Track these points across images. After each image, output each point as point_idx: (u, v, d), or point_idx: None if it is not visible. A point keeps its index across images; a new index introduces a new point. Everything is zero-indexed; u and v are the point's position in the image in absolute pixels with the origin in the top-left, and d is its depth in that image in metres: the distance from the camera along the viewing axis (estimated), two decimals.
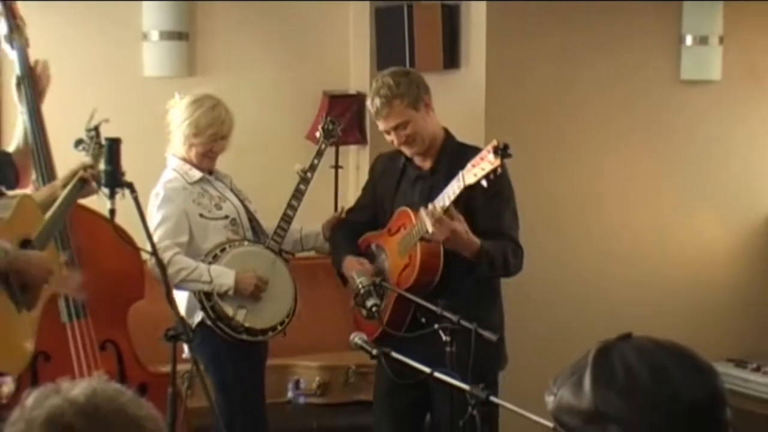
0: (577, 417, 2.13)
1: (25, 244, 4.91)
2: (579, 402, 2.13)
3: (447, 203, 5.30)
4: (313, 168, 6.10)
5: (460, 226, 5.31)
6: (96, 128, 5.10)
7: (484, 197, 5.35)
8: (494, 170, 5.12)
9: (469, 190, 5.22)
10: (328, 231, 6.12)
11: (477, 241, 5.37)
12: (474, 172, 5.16)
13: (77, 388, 2.07)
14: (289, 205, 6.02)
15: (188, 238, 5.85)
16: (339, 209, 6.33)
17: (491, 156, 5.09)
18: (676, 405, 2.08)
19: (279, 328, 5.95)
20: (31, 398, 2.06)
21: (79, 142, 5.15)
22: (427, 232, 5.32)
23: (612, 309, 6.80)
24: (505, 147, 5.07)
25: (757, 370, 6.84)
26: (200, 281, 5.77)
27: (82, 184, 5.11)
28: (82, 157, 5.14)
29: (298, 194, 6.04)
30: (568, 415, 2.15)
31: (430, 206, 5.33)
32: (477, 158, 5.18)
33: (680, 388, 2.10)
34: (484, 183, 5.15)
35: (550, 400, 2.21)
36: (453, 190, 5.26)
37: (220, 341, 5.81)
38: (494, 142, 5.11)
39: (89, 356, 5.54)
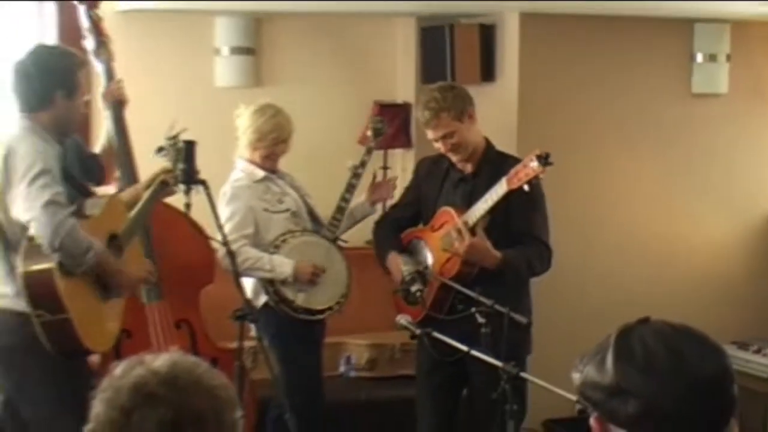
0: (601, 391, 2.13)
1: (113, 238, 4.95)
2: (602, 378, 2.12)
3: (482, 212, 5.36)
4: (363, 164, 6.12)
5: (481, 242, 5.34)
6: (176, 137, 5.11)
7: (519, 202, 5.35)
8: (536, 176, 5.14)
9: (510, 194, 5.24)
10: (371, 195, 6.22)
11: (497, 255, 5.38)
12: (518, 177, 5.19)
13: (159, 361, 2.09)
14: (343, 198, 6.04)
15: (253, 230, 5.88)
16: (380, 169, 6.34)
17: (534, 163, 5.12)
18: (689, 380, 2.08)
19: (335, 308, 5.98)
20: (118, 369, 2.08)
21: (160, 149, 5.16)
22: (452, 245, 5.40)
23: (629, 298, 6.78)
24: (547, 155, 5.10)
25: (758, 351, 6.81)
26: (263, 270, 5.80)
27: (163, 186, 5.13)
28: (163, 162, 5.15)
29: (350, 188, 6.06)
30: (592, 389, 2.15)
31: (459, 218, 5.37)
32: (520, 165, 5.21)
33: (693, 366, 2.09)
34: (526, 187, 5.17)
35: (576, 376, 2.21)
36: (497, 192, 5.29)
37: (282, 321, 5.84)
38: (537, 151, 5.13)
39: (166, 334, 5.57)
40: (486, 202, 5.35)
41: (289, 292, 5.84)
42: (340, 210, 6.05)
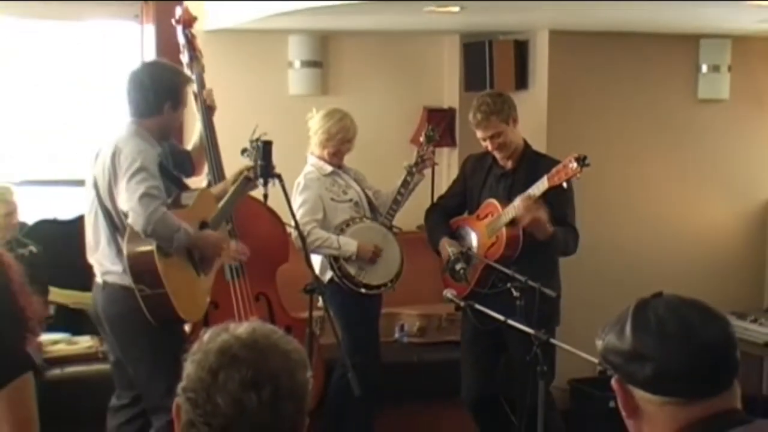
0: (620, 356, 2.11)
1: (203, 225, 5.00)
2: (622, 344, 2.10)
3: (537, 194, 5.31)
4: (417, 164, 6.08)
5: (544, 214, 5.32)
6: (257, 140, 5.11)
7: (556, 196, 5.34)
8: (574, 175, 5.12)
9: (550, 190, 5.23)
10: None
11: (551, 229, 5.36)
12: (558, 175, 5.18)
13: (241, 328, 2.09)
14: (399, 192, 6.02)
15: (322, 216, 5.87)
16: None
17: (573, 164, 5.11)
18: (697, 346, 2.06)
19: (389, 284, 5.98)
20: (206, 335, 2.09)
21: (244, 150, 5.17)
22: (517, 213, 5.35)
23: (644, 276, 6.73)
24: (585, 158, 5.09)
25: (755, 321, 6.74)
26: (331, 248, 5.80)
27: (246, 181, 5.15)
28: (247, 162, 5.16)
29: (405, 184, 6.03)
30: (612, 354, 2.13)
31: (525, 194, 5.34)
32: (561, 165, 5.21)
33: (700, 332, 2.07)
34: (564, 185, 5.17)
35: (599, 343, 2.19)
36: (539, 187, 5.29)
37: (345, 294, 5.84)
38: (576, 154, 5.12)
39: (247, 305, 5.60)
40: (533, 192, 5.34)
41: (351, 269, 5.85)
42: (396, 202, 6.03)
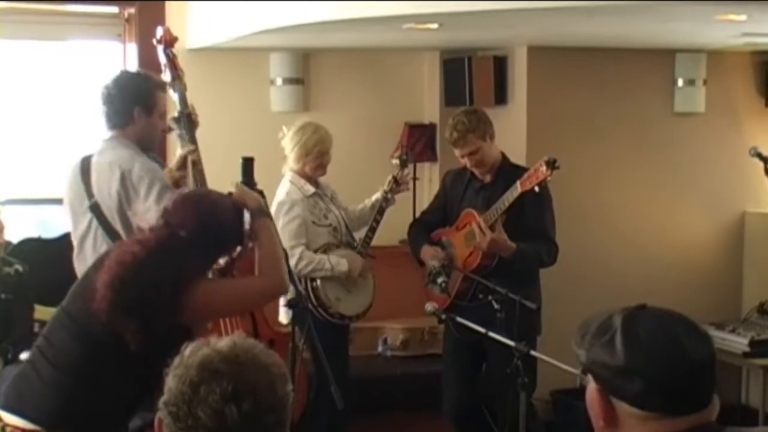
0: (609, 370, 2.09)
1: None
2: (612, 359, 2.09)
3: (500, 211, 5.34)
4: (392, 190, 5.96)
5: (500, 236, 5.31)
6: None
7: (531, 204, 5.33)
8: (545, 178, 5.12)
9: (524, 195, 5.22)
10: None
11: (513, 245, 5.35)
12: (530, 180, 5.17)
13: (222, 342, 2.09)
14: (375, 219, 5.91)
15: (305, 240, 5.75)
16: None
17: (543, 168, 5.10)
18: (687, 364, 2.07)
19: (360, 316, 5.90)
20: (188, 350, 2.09)
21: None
22: (474, 240, 5.37)
23: (623, 286, 6.74)
24: (554, 161, 5.09)
25: (733, 331, 6.75)
26: (324, 269, 5.70)
27: None
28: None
29: (381, 211, 5.92)
30: (601, 368, 2.11)
31: (480, 218, 5.34)
32: (531, 170, 5.20)
33: (690, 351, 2.08)
34: (536, 189, 5.15)
35: (581, 353, 2.17)
36: (512, 194, 5.27)
37: (314, 319, 5.61)
38: (546, 158, 5.11)
39: (232, 319, 5.55)
40: (503, 203, 5.34)
41: (326, 299, 5.74)
42: (371, 229, 5.91)
